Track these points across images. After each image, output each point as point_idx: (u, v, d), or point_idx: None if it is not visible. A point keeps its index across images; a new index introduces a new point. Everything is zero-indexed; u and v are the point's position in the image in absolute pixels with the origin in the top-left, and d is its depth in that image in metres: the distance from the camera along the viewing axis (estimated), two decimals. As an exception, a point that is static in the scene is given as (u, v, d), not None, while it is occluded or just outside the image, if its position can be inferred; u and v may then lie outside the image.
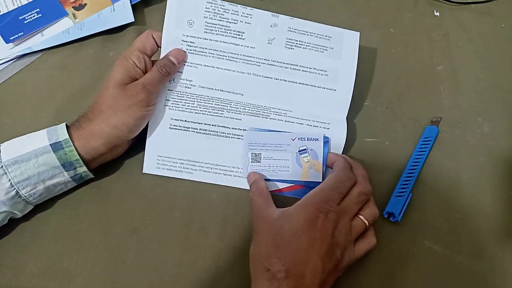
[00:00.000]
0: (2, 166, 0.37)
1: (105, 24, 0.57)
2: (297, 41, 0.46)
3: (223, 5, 0.45)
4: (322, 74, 0.46)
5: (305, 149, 0.43)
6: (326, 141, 0.43)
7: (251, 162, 0.43)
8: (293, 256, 0.34)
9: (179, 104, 0.45)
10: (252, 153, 0.43)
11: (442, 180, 0.44)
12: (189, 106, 0.45)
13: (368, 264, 0.39)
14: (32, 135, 0.40)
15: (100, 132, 0.40)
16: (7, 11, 0.58)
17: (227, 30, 0.45)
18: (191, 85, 0.45)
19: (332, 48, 0.46)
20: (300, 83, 0.46)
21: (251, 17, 0.45)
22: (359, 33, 0.46)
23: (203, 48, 0.45)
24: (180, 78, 0.45)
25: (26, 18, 0.57)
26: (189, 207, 0.43)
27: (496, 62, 0.53)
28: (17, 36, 0.56)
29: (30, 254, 0.41)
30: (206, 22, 0.45)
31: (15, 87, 0.53)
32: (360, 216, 0.38)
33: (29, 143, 0.39)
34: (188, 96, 0.45)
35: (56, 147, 0.38)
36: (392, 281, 0.39)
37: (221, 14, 0.45)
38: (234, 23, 0.45)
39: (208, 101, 0.45)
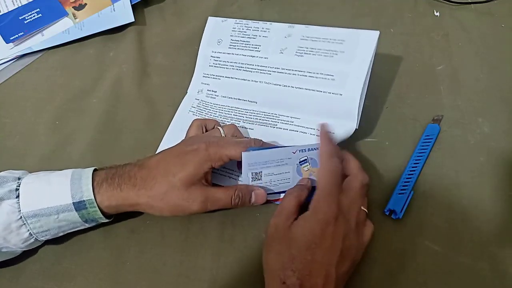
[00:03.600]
0: (21, 217, 0.36)
1: (105, 24, 0.57)
2: (307, 48, 0.46)
3: (247, 24, 0.50)
4: (328, 79, 0.44)
5: (306, 159, 0.42)
6: None
7: (252, 181, 0.42)
8: (308, 269, 0.33)
9: (202, 113, 0.49)
10: (252, 172, 0.41)
11: (442, 180, 0.44)
12: (211, 115, 0.48)
13: (368, 264, 0.39)
14: (54, 181, 0.38)
15: (134, 203, 0.38)
16: (7, 11, 0.58)
17: (247, 44, 0.49)
18: (216, 95, 0.50)
19: (343, 52, 0.45)
20: (306, 89, 0.45)
21: (269, 31, 0.48)
22: (378, 32, 0.44)
23: (226, 62, 0.49)
24: (207, 90, 0.49)
25: (26, 18, 0.58)
26: (189, 207, 0.43)
27: (496, 62, 0.53)
28: (17, 36, 0.56)
29: (30, 254, 0.41)
30: (231, 39, 0.49)
31: (15, 87, 0.53)
32: (362, 207, 0.38)
33: (50, 195, 0.37)
34: (212, 106, 0.49)
35: (79, 206, 0.37)
36: (392, 281, 0.39)
37: (244, 32, 0.49)
38: (254, 38, 0.49)
39: (228, 111, 0.48)
